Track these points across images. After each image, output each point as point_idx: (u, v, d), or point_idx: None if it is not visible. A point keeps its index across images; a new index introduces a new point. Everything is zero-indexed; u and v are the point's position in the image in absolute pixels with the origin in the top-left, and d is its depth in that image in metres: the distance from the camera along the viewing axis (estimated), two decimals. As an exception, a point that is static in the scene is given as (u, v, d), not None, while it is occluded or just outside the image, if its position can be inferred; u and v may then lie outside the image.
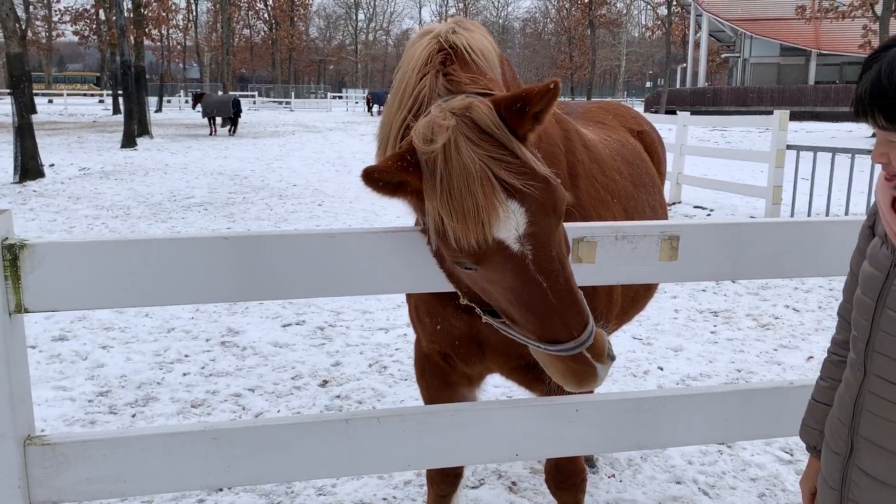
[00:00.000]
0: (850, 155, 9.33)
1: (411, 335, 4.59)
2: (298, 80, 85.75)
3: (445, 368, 2.54)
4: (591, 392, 1.81)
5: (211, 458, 2.02)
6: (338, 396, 4.65)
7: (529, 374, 2.40)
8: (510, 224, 1.66)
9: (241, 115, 30.97)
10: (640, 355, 5.41)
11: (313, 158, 20.22)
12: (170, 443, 2.00)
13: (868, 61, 1.52)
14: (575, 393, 2.14)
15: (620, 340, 5.61)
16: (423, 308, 2.41)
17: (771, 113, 10.59)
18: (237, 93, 52.68)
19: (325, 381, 4.89)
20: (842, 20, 30.72)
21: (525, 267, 1.68)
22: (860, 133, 28.10)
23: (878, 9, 28.31)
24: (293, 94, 63.60)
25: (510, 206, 1.66)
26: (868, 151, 9.13)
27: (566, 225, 1.93)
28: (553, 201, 1.71)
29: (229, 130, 29.47)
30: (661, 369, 5.15)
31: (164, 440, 2.00)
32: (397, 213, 11.52)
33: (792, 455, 3.87)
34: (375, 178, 1.75)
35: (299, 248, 1.95)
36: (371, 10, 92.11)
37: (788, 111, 10.71)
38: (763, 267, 2.26)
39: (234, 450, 2.03)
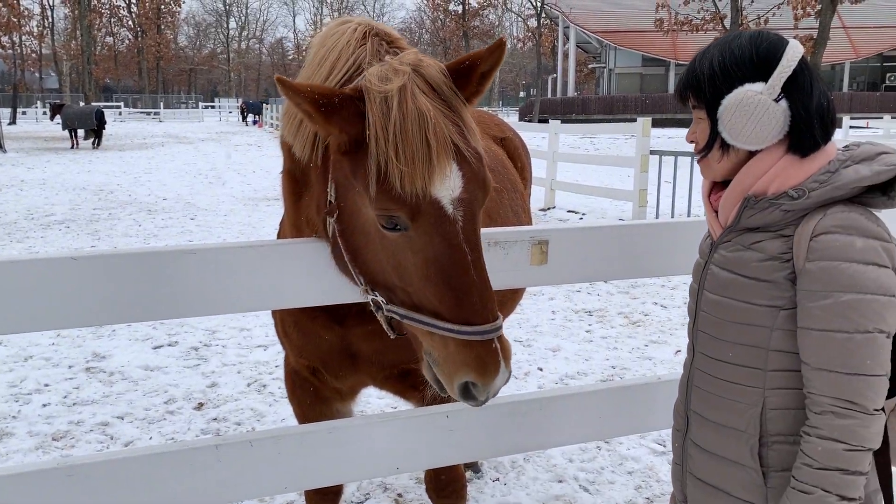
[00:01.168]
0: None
1: (291, 350, 4.48)
2: (168, 90, 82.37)
3: (316, 384, 2.47)
4: (480, 402, 1.70)
5: (66, 499, 1.86)
6: (214, 419, 4.46)
7: (404, 383, 2.37)
8: (450, 183, 1.63)
9: (106, 126, 29.33)
10: (520, 357, 5.51)
11: (184, 170, 19.42)
12: (16, 484, 1.82)
13: (695, 55, 1.72)
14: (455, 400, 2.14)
15: (501, 344, 5.69)
16: (290, 321, 2.33)
17: (635, 120, 11.12)
18: (101, 103, 49.75)
19: (201, 404, 4.67)
20: (696, 32, 32.80)
21: (455, 233, 1.63)
22: (716, 138, 30.01)
23: (728, 23, 30.50)
24: (162, 104, 60.93)
25: (453, 166, 1.64)
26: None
27: None
28: (484, 176, 1.71)
29: (93, 143, 27.82)
30: (541, 370, 5.27)
31: (9, 482, 1.82)
32: (274, 224, 11.23)
33: (665, 446, 4.05)
34: (316, 98, 1.63)
35: (159, 266, 1.83)
36: (243, 18, 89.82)
37: (651, 118, 11.28)
38: (629, 267, 2.34)
39: (92, 486, 1.88)
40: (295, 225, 2.10)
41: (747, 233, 1.66)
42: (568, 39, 53.11)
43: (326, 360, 2.31)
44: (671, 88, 47.17)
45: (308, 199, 1.98)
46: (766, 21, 29.59)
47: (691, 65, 1.70)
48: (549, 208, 12.76)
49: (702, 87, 1.64)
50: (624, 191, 11.86)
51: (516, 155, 3.68)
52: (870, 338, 1.48)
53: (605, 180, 15.46)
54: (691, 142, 1.74)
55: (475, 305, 1.63)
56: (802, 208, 1.57)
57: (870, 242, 1.51)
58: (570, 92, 53.55)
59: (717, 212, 1.74)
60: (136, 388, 4.93)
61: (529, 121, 43.62)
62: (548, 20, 53.82)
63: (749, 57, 1.60)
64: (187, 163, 21.67)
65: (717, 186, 1.77)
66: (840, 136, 22.52)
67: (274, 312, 2.47)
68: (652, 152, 10.92)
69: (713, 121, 1.64)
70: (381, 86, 1.63)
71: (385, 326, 1.81)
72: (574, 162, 14.55)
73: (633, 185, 11.03)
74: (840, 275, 1.48)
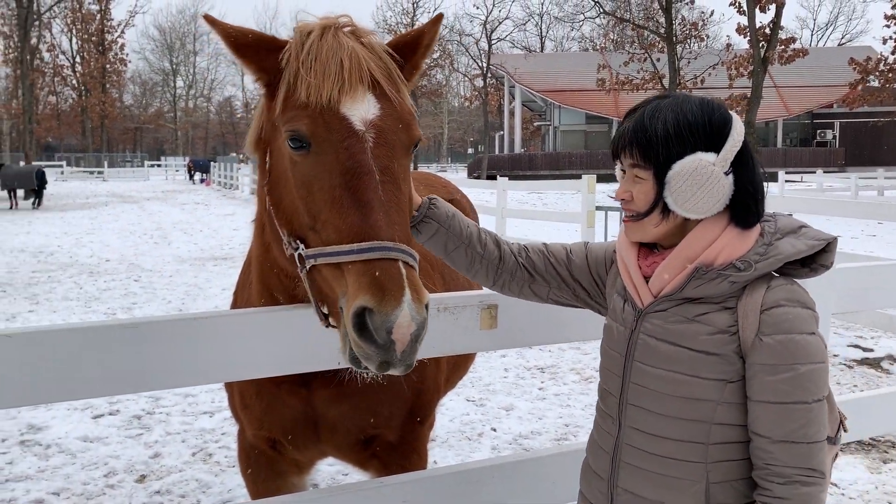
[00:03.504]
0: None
1: (238, 417, 4.35)
2: (113, 149, 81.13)
3: (274, 457, 2.40)
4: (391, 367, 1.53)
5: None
6: (157, 492, 4.27)
7: (366, 451, 2.34)
8: (361, 105, 1.66)
9: (47, 186, 28.67)
10: (473, 417, 5.46)
11: (129, 230, 19.03)
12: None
13: (629, 113, 1.71)
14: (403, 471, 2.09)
15: (454, 404, 5.65)
16: (251, 391, 2.27)
17: (580, 177, 11.39)
18: (42, 163, 48.74)
19: (143, 476, 4.49)
20: (636, 91, 34.04)
21: (361, 150, 1.62)
22: (659, 192, 30.88)
23: (666, 82, 31.78)
24: (106, 162, 59.91)
25: (368, 94, 1.68)
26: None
27: None
28: (409, 120, 1.74)
29: (33, 203, 27.11)
30: (495, 430, 5.22)
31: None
32: (222, 285, 11.01)
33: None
34: (230, 32, 1.73)
35: (96, 341, 1.76)
36: (190, 77, 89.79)
37: (595, 175, 11.57)
38: (579, 330, 2.36)
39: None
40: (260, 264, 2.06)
41: (687, 303, 1.64)
42: (514, 98, 54.42)
43: (289, 430, 2.25)
44: (614, 145, 48.69)
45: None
46: (703, 80, 30.93)
47: (638, 122, 1.65)
48: (499, 264, 12.85)
49: (652, 148, 1.61)
50: (572, 246, 12.02)
51: (465, 214, 3.73)
52: (821, 404, 1.53)
53: (554, 236, 15.69)
54: (622, 200, 1.70)
55: (378, 222, 1.56)
56: (745, 280, 1.58)
57: (811, 313, 1.57)
58: (517, 148, 54.64)
59: (645, 277, 1.71)
60: (74, 461, 4.72)
61: (478, 177, 44.26)
62: (494, 80, 55.14)
63: (703, 124, 1.60)
64: (132, 222, 21.26)
65: (643, 250, 1.75)
66: (776, 191, 23.40)
67: (229, 386, 2.41)
68: (598, 208, 11.16)
69: (659, 184, 1.61)
70: (302, 28, 1.75)
71: (314, 305, 1.69)
72: (522, 218, 14.75)
73: (581, 241, 11.21)
74: (797, 347, 1.51)
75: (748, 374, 1.56)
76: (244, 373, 1.96)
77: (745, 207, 1.61)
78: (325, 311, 1.70)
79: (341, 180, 1.60)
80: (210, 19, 1.76)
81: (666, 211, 1.63)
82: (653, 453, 1.65)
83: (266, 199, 1.83)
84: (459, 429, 5.24)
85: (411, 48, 1.88)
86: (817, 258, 1.63)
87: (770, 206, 1.71)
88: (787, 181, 26.76)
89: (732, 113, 1.67)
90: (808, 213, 7.88)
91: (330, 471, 4.38)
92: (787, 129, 50.35)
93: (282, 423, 2.26)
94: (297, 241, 1.69)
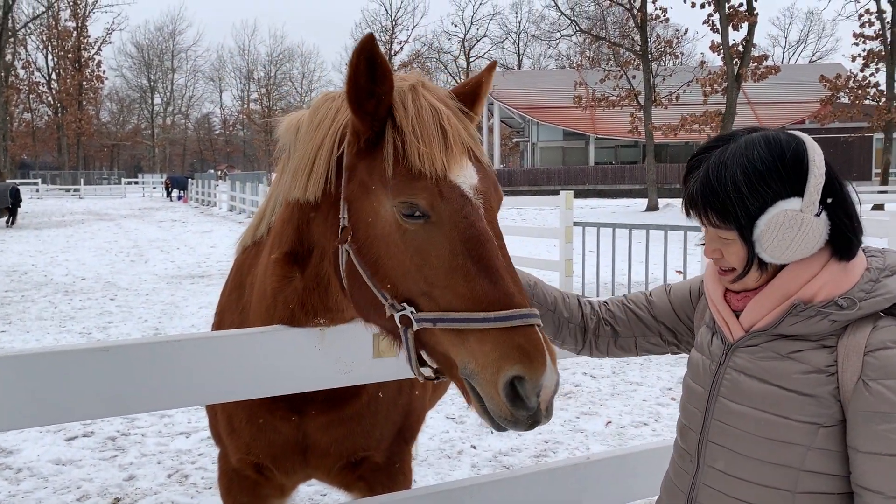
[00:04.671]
0: (628, 229, 10.29)
1: (215, 438, 4.30)
2: (89, 166, 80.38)
3: (258, 481, 2.36)
4: (533, 423, 1.51)
5: None
6: (132, 515, 4.21)
7: (354, 474, 2.32)
8: (468, 171, 1.67)
9: (22, 204, 28.32)
10: (453, 435, 5.44)
11: (105, 249, 18.83)
12: None
13: (693, 160, 1.60)
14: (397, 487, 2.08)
15: (434, 422, 5.62)
16: (242, 416, 2.22)
17: (558, 192, 11.46)
18: (16, 180, 48.18)
19: (117, 500, 4.41)
20: (612, 108, 34.39)
21: (478, 216, 1.62)
22: (637, 208, 31.23)
23: (642, 99, 32.16)
24: (83, 180, 59.36)
25: (467, 159, 1.69)
26: (642, 225, 10.14)
27: None
28: (496, 181, 1.75)
29: (7, 222, 26.76)
30: (475, 448, 5.21)
31: None
32: (199, 303, 10.90)
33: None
34: (373, 56, 1.65)
35: (70, 365, 1.74)
36: (168, 93, 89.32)
37: (573, 191, 11.64)
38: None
39: None
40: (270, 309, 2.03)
41: (781, 339, 1.53)
42: (493, 115, 54.80)
43: (278, 455, 2.22)
44: (591, 161, 49.16)
45: (311, 257, 1.95)
46: (678, 97, 31.31)
47: (705, 182, 1.52)
48: (478, 280, 12.85)
49: (729, 211, 1.49)
50: (551, 261, 12.09)
51: None
52: None
53: (533, 251, 15.74)
54: (713, 258, 1.59)
55: (509, 288, 1.55)
56: (848, 319, 1.47)
57: None
58: (497, 165, 54.97)
59: (735, 311, 1.61)
60: (46, 484, 4.63)
61: (457, 193, 44.37)
62: (472, 96, 55.47)
63: (776, 170, 1.47)
64: (108, 240, 21.04)
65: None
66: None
67: (214, 410, 2.37)
68: (576, 223, 11.23)
69: (748, 243, 1.51)
70: (398, 84, 1.72)
71: (412, 361, 1.65)
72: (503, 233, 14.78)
73: (560, 256, 11.27)
74: None
75: (851, 421, 1.44)
76: (219, 396, 1.94)
77: (845, 240, 1.51)
78: (433, 368, 1.69)
79: (463, 248, 1.58)
80: (372, 42, 1.65)
81: (763, 264, 1.53)
82: (733, 496, 1.56)
83: (346, 252, 1.76)
84: (439, 447, 5.22)
85: (471, 98, 1.88)
86: None
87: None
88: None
89: (807, 140, 1.53)
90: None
91: (308, 491, 4.33)
92: (761, 145, 51.04)
93: (271, 448, 2.22)
94: (403, 304, 1.65)
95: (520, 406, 1.48)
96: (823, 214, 1.48)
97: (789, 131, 1.56)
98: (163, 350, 1.79)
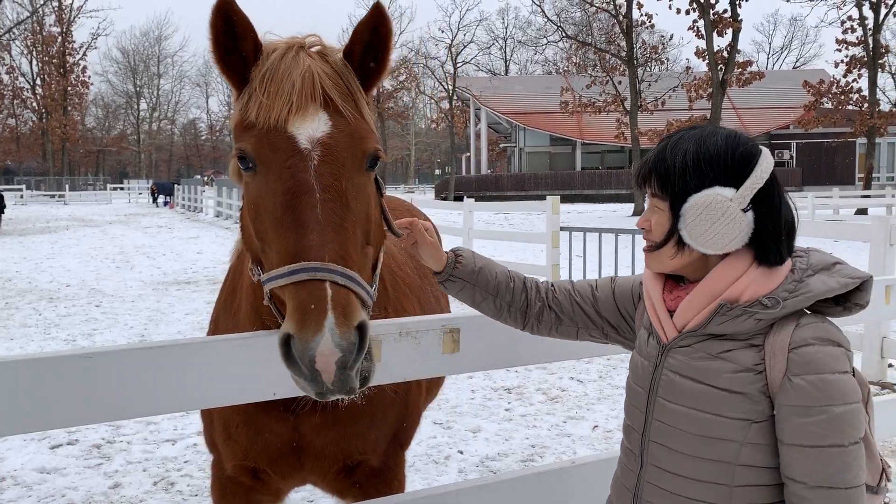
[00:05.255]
0: (615, 234, 10.34)
1: (202, 444, 4.27)
2: (74, 172, 79.73)
3: (253, 487, 2.35)
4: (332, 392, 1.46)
5: None
6: (117, 523, 4.18)
7: (349, 479, 2.31)
8: (310, 124, 1.64)
9: (6, 210, 28.08)
10: (440, 440, 5.44)
11: (90, 255, 18.69)
12: None
13: (660, 141, 1.69)
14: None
15: (421, 427, 5.61)
16: (238, 421, 2.21)
17: (545, 198, 11.50)
18: (0, 186, 47.81)
19: (102, 507, 4.38)
20: (599, 114, 34.58)
21: (305, 170, 1.58)
22: (623, 213, 31.36)
23: (628, 104, 32.36)
24: (68, 186, 58.98)
25: (319, 112, 1.66)
26: (628, 230, 10.17)
27: None
28: (361, 136, 1.70)
29: (-10, 228, 26.56)
30: (462, 453, 5.21)
31: None
32: (185, 309, 10.86)
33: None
34: (230, 14, 1.67)
35: (51, 372, 1.73)
36: (154, 99, 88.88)
37: (559, 196, 11.71)
38: (540, 352, 2.37)
39: None
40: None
41: (711, 339, 1.59)
42: (480, 120, 54.89)
43: (275, 457, 2.21)
44: (578, 166, 49.32)
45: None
46: (664, 103, 31.53)
47: (660, 151, 1.63)
48: (465, 285, 12.86)
49: (670, 179, 1.58)
50: (538, 266, 12.13)
51: None
52: (858, 447, 1.47)
53: (520, 256, 15.79)
54: (642, 229, 1.67)
55: (309, 242, 1.50)
56: (773, 317, 1.53)
57: (843, 351, 1.51)
58: (484, 170, 55.04)
59: (670, 311, 1.67)
60: (30, 493, 4.59)
61: (445, 198, 44.43)
62: (459, 102, 55.56)
63: (724, 159, 1.55)
64: (93, 247, 20.89)
65: (669, 283, 1.71)
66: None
67: (209, 416, 2.35)
68: (562, 228, 11.27)
69: (675, 216, 1.58)
70: (269, 47, 1.74)
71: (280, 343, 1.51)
72: (489, 238, 14.83)
73: (546, 261, 11.31)
74: (829, 387, 1.45)
75: (778, 415, 1.50)
76: (205, 402, 1.94)
77: (766, 247, 1.56)
78: None
79: (282, 200, 1.57)
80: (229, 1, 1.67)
81: (681, 244, 1.60)
82: (675, 493, 1.61)
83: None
84: (426, 452, 5.22)
85: (376, 48, 1.80)
86: (851, 297, 1.56)
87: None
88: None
89: (765, 151, 1.61)
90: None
91: (295, 497, 4.32)
92: (746, 150, 51.38)
93: (269, 452, 2.21)
94: (258, 267, 1.67)
95: (295, 369, 1.46)
96: (750, 213, 1.55)
97: (755, 141, 1.63)
98: (148, 356, 1.79)
